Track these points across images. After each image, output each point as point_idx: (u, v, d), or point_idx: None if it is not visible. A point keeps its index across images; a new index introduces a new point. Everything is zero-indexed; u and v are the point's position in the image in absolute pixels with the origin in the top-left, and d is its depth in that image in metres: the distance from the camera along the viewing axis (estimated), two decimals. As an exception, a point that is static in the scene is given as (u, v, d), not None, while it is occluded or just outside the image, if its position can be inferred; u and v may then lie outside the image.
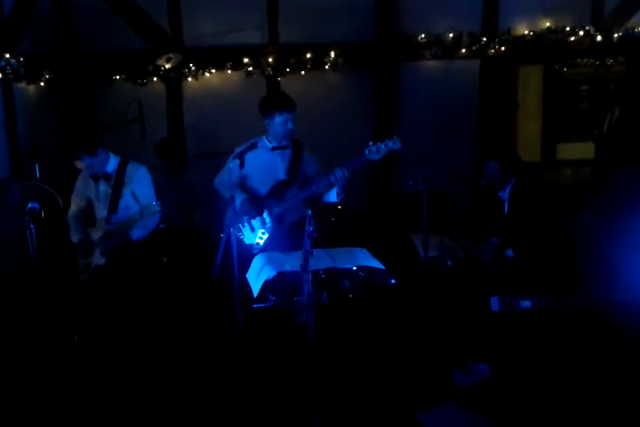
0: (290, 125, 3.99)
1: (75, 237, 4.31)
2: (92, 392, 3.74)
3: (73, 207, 4.42)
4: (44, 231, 4.01)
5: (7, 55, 5.68)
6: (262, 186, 4.11)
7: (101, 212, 4.26)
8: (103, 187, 4.25)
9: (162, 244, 4.67)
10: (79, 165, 4.17)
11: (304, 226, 3.54)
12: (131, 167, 4.27)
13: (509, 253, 4.32)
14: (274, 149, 4.07)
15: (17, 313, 4.70)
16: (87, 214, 4.41)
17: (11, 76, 5.77)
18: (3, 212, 4.79)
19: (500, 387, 3.58)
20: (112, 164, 4.24)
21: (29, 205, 3.83)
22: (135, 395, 3.69)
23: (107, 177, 4.23)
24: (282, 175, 4.10)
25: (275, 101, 4.06)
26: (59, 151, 6.04)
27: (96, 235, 4.26)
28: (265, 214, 3.99)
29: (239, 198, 4.03)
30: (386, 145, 3.71)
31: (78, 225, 4.35)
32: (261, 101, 4.09)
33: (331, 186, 3.89)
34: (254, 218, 3.98)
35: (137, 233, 4.21)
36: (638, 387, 3.41)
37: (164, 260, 4.82)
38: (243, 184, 4.10)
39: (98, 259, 4.21)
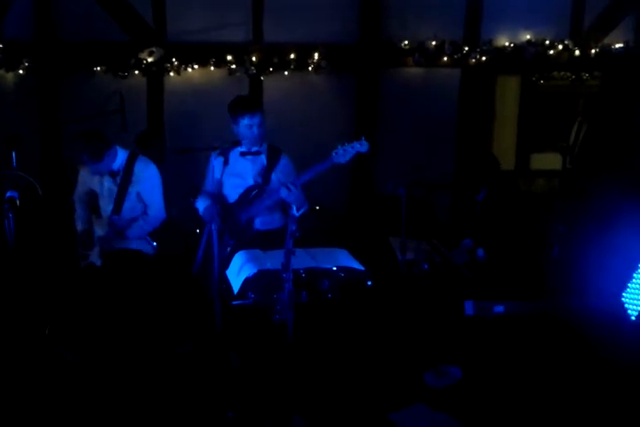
0: (255, 130, 3.84)
1: (78, 226, 4.13)
2: (60, 381, 3.70)
3: (80, 189, 4.21)
4: (22, 220, 3.95)
5: (-14, 41, 5.60)
6: (233, 190, 4.02)
7: (106, 207, 4.06)
8: (108, 183, 4.02)
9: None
10: (82, 167, 3.93)
11: (273, 235, 3.52)
12: (139, 165, 3.97)
13: (480, 252, 4.39)
14: (242, 154, 3.96)
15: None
16: (93, 199, 4.19)
17: (-10, 63, 5.67)
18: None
19: (471, 390, 3.64)
20: (119, 159, 3.95)
21: (8, 194, 3.75)
22: (107, 387, 3.66)
23: (112, 174, 3.97)
24: (250, 181, 3.99)
25: (237, 104, 3.91)
26: (35, 139, 5.98)
27: (98, 231, 4.07)
28: None
29: (203, 203, 3.95)
30: (352, 147, 3.52)
31: (85, 211, 4.17)
32: (228, 105, 3.95)
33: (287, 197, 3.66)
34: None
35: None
36: (606, 391, 3.52)
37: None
38: (220, 186, 4.00)
39: (95, 257, 4.03)
